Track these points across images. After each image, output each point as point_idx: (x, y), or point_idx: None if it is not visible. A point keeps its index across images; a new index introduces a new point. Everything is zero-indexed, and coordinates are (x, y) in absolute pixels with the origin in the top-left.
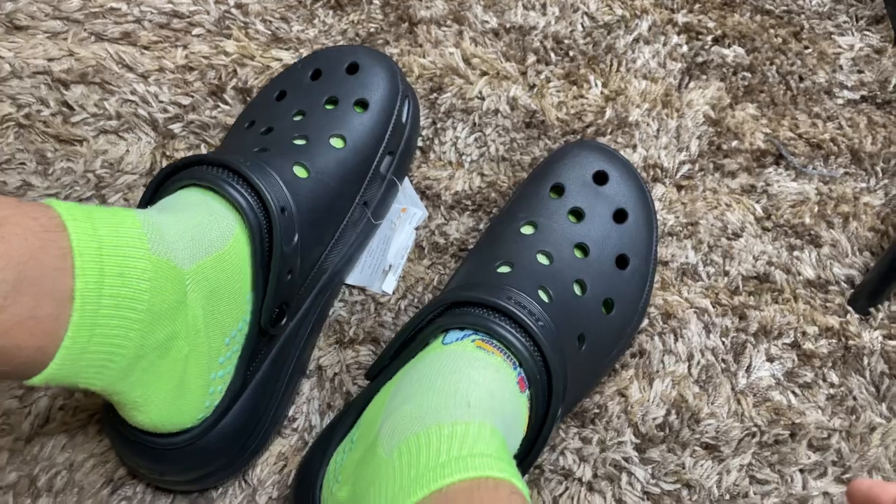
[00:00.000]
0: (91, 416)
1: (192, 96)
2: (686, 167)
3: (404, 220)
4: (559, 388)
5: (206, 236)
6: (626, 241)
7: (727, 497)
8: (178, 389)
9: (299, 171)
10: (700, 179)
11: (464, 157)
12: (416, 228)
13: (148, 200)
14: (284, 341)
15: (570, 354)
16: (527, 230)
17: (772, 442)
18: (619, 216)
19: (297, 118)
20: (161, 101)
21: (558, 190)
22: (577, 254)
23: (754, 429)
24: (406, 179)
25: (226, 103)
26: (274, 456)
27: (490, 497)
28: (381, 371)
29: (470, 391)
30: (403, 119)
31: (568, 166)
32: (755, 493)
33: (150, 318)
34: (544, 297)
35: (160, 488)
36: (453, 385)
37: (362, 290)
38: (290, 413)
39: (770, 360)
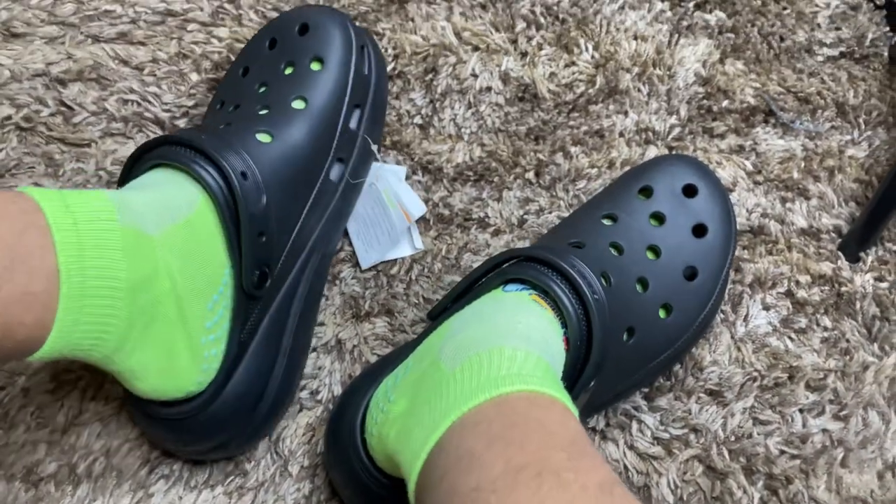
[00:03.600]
0: (122, 404)
1: (194, 95)
2: (677, 130)
3: (386, 180)
4: (596, 359)
5: (172, 204)
6: (700, 256)
7: (732, 438)
8: (170, 354)
9: (262, 138)
10: (690, 141)
11: (462, 131)
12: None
13: (121, 182)
14: (278, 308)
15: (614, 341)
16: (606, 221)
17: (772, 385)
18: (699, 230)
19: (262, 90)
20: (165, 103)
21: (646, 192)
22: (649, 255)
23: (755, 373)
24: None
25: None
26: (301, 427)
27: (546, 409)
28: (442, 312)
29: (528, 331)
30: (365, 70)
31: (662, 173)
32: (758, 434)
33: (131, 286)
34: (604, 282)
35: (196, 463)
36: (513, 322)
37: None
38: (315, 386)
39: (766, 308)
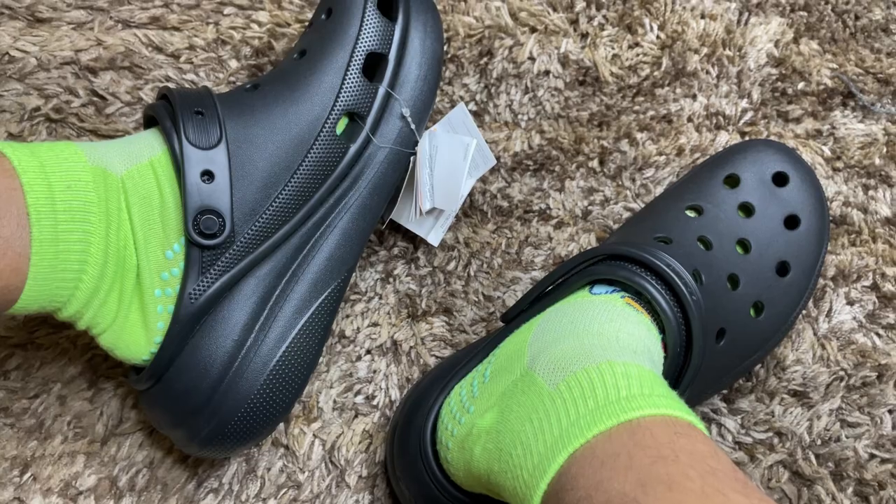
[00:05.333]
0: None
1: (233, 83)
2: (749, 114)
3: (439, 149)
4: (696, 365)
5: (136, 146)
6: (792, 249)
7: (819, 442)
8: (124, 304)
9: (249, 89)
10: (764, 126)
11: (520, 117)
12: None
13: None
14: (268, 274)
15: (708, 345)
16: (691, 213)
17: (859, 385)
18: (791, 222)
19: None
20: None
21: (733, 181)
22: (738, 249)
23: (841, 372)
24: (461, 105)
25: None
26: (358, 434)
27: (690, 437)
28: (519, 315)
29: (632, 341)
30: (391, 15)
31: (748, 160)
32: (847, 437)
33: (106, 227)
34: (696, 281)
35: (246, 474)
36: (613, 331)
37: (413, 239)
38: (370, 391)
39: (850, 303)
